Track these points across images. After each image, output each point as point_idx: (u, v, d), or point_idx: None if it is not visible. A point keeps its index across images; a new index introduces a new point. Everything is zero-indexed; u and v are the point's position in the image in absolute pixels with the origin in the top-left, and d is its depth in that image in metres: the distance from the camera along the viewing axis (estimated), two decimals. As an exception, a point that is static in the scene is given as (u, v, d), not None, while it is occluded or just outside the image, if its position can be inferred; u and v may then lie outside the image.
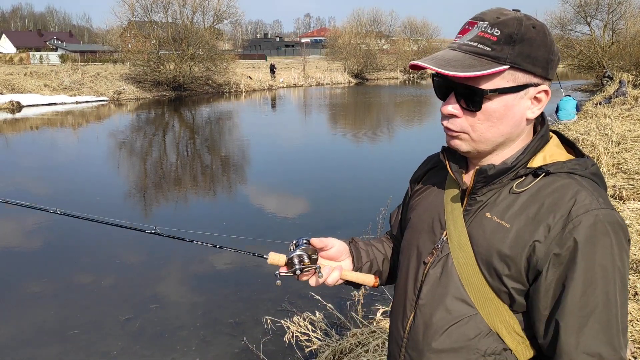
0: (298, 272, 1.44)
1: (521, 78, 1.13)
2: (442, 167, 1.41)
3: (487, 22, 1.14)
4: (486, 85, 1.13)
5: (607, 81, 27.82)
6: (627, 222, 5.30)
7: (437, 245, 1.29)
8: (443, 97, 1.21)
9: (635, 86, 22.48)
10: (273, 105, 30.41)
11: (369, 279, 1.52)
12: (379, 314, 4.10)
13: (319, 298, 4.50)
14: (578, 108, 14.73)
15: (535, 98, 1.17)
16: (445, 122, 1.22)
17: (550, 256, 1.09)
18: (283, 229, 8.04)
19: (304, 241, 1.47)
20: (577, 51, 36.82)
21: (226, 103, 30.30)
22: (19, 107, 25.67)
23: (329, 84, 44.62)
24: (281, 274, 1.48)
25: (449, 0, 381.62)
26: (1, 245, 7.47)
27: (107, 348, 4.72)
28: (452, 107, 1.19)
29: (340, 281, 1.50)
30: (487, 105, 1.15)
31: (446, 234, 1.27)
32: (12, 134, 19.02)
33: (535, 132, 1.26)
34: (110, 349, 4.70)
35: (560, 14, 40.10)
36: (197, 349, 4.69)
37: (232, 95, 34.53)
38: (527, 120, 1.20)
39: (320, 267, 1.45)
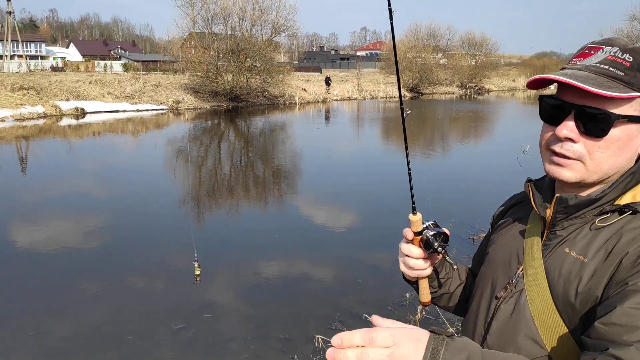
0: (440, 249, 1.30)
1: None
2: (526, 203, 1.35)
3: (617, 48, 1.09)
4: (616, 111, 1.06)
5: None
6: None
7: (512, 280, 1.22)
8: (554, 119, 1.14)
9: None
10: (327, 118, 30.54)
11: (427, 293, 1.44)
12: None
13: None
14: None
15: None
16: (556, 147, 1.13)
17: (621, 283, 1.01)
18: (334, 242, 7.98)
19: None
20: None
21: (280, 114, 30.66)
22: (83, 113, 26.83)
23: (383, 97, 44.48)
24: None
25: (509, 15, 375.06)
26: (60, 244, 7.73)
27: (160, 356, 4.77)
28: (569, 131, 1.10)
29: (418, 275, 1.40)
30: (611, 132, 1.07)
31: (522, 269, 1.21)
32: (76, 139, 19.84)
33: None
34: (162, 357, 4.76)
35: (628, 31, 38.65)
36: (248, 362, 4.68)
37: (286, 107, 34.92)
38: (639, 155, 1.14)
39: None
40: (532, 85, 1.17)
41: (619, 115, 1.06)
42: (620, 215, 1.11)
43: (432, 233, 1.29)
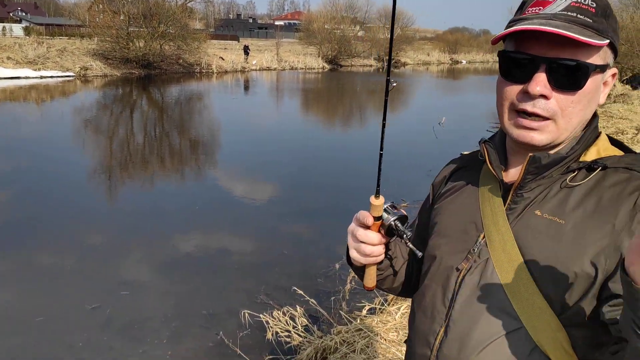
0: (405, 236, 1.16)
1: (609, 56, 1.02)
2: (472, 166, 1.26)
3: None
4: (591, 61, 0.99)
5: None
6: None
7: (473, 250, 1.12)
8: (521, 76, 1.04)
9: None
10: (246, 88, 29.94)
11: (374, 278, 1.27)
12: (364, 311, 3.94)
13: (301, 292, 4.31)
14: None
15: (605, 82, 1.06)
16: (527, 106, 1.04)
17: (622, 247, 0.97)
18: (256, 214, 7.82)
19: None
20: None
21: (197, 83, 29.67)
22: (-22, 79, 24.62)
23: (302, 68, 44.16)
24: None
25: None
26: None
27: (72, 339, 4.45)
28: (544, 86, 1.01)
29: (373, 262, 1.23)
30: (587, 85, 1.01)
31: (484, 237, 1.12)
32: (-28, 107, 18.19)
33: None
34: (75, 340, 4.44)
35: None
36: (169, 341, 4.47)
37: (203, 75, 33.84)
38: (597, 105, 1.08)
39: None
40: (497, 40, 1.06)
41: (596, 65, 0.99)
42: (589, 172, 1.06)
43: (395, 218, 1.15)
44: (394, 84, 1.18)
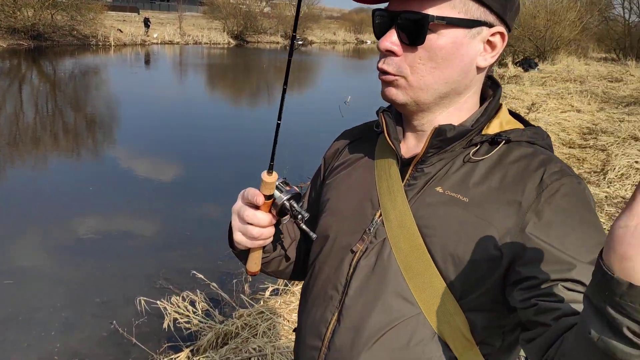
0: (301, 216, 1.03)
1: (475, 11, 0.94)
2: (368, 138, 1.17)
3: None
4: (432, 11, 0.92)
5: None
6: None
7: (369, 230, 1.03)
8: (383, 34, 0.98)
9: (500, 65, 24.02)
10: (147, 62, 28.64)
11: (259, 261, 1.13)
12: (267, 293, 3.85)
13: (201, 276, 4.14)
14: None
15: (489, 42, 0.98)
16: (379, 64, 0.99)
17: (529, 227, 0.91)
18: (156, 195, 7.48)
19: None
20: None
21: (93, 57, 27.94)
22: None
23: (207, 43, 42.83)
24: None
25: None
26: None
27: (-57, 336, 4.01)
28: (391, 43, 0.95)
29: (260, 245, 1.09)
30: (432, 40, 0.94)
31: (380, 216, 1.03)
32: None
33: (482, 95, 1.07)
34: (-52, 337, 4.00)
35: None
36: (59, 333, 4.15)
37: (99, 48, 31.90)
38: (478, 68, 1.00)
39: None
40: None
41: (435, 16, 0.91)
42: (492, 146, 1.00)
43: (288, 197, 1.02)
44: (300, 42, 1.06)
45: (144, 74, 23.64)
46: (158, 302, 3.94)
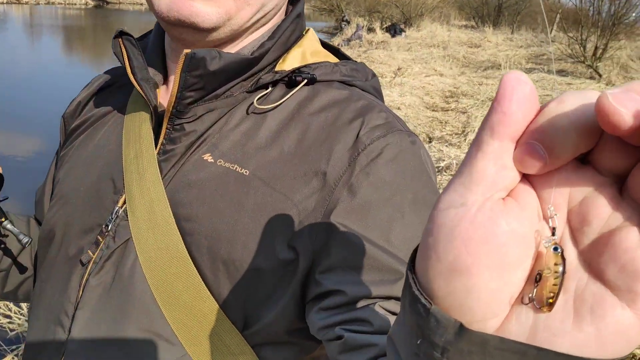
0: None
1: None
2: (123, 84, 0.79)
3: None
4: None
5: (345, 25, 29.83)
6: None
7: (106, 227, 0.68)
8: None
9: (369, 30, 24.42)
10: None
11: None
12: None
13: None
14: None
15: None
16: None
17: (336, 212, 0.61)
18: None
19: None
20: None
21: None
22: None
23: (61, 3, 39.16)
24: None
25: None
26: None
27: None
28: None
29: None
30: None
31: (125, 204, 0.67)
32: None
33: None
34: None
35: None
36: None
37: None
38: None
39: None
40: None
41: None
42: (290, 87, 0.68)
43: None
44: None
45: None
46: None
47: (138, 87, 0.67)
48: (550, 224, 0.29)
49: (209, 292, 0.61)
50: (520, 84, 0.26)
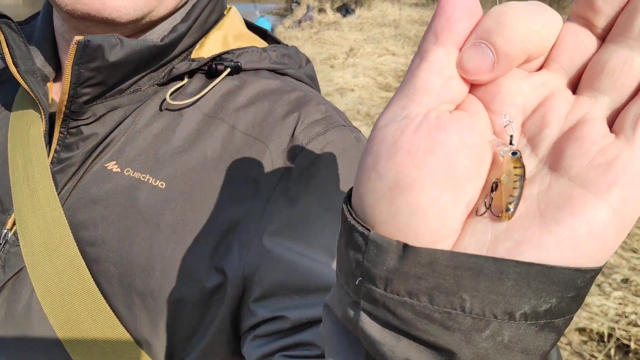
0: None
1: None
2: (8, 78, 0.66)
3: None
4: None
5: (295, 6, 29.56)
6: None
7: None
8: None
9: (320, 11, 24.25)
10: None
11: None
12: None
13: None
14: (272, 30, 15.15)
15: None
16: None
17: (271, 228, 0.52)
18: None
19: None
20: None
21: None
22: None
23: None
24: None
25: None
26: None
27: None
28: None
29: None
30: None
31: (14, 225, 0.55)
32: None
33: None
34: None
35: None
36: None
37: None
38: None
39: None
40: None
41: None
42: (210, 78, 0.58)
43: None
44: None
45: None
46: None
47: (22, 81, 0.55)
48: (508, 132, 0.26)
49: (123, 329, 0.51)
50: None
